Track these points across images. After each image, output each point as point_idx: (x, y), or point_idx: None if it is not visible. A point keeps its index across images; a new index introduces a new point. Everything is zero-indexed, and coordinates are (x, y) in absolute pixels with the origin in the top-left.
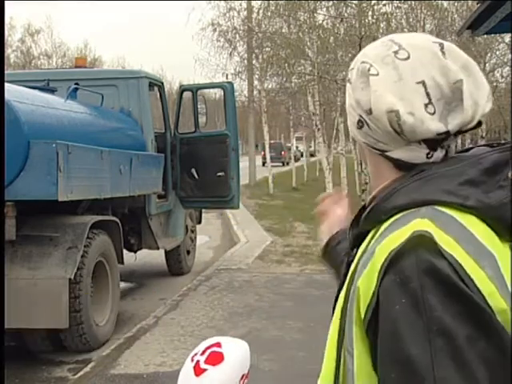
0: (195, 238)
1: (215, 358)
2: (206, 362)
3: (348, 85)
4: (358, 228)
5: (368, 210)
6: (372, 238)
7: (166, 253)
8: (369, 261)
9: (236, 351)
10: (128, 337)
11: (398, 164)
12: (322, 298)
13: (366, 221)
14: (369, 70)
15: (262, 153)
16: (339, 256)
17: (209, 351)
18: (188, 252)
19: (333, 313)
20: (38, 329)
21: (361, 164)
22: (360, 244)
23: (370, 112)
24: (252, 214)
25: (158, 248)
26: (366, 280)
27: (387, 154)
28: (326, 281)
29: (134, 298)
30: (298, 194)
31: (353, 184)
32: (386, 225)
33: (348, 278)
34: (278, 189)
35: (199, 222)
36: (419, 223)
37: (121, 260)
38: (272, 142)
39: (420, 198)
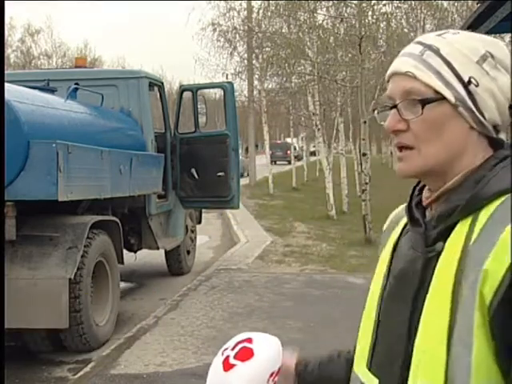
0: (195, 238)
1: (245, 354)
2: (235, 357)
3: (498, 65)
4: (446, 221)
5: (466, 200)
6: (471, 225)
7: (166, 253)
8: (493, 244)
9: (267, 348)
10: (128, 337)
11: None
12: (322, 298)
13: (462, 211)
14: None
15: (271, 152)
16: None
17: (239, 346)
18: (188, 252)
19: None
20: (37, 329)
21: (361, 164)
22: (445, 237)
23: None
24: (252, 214)
25: (158, 248)
26: (496, 263)
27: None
28: (326, 281)
29: (134, 298)
30: (298, 194)
31: (353, 184)
32: (491, 210)
33: (454, 267)
34: (278, 189)
35: (199, 222)
36: None
37: (121, 260)
38: (279, 141)
39: None
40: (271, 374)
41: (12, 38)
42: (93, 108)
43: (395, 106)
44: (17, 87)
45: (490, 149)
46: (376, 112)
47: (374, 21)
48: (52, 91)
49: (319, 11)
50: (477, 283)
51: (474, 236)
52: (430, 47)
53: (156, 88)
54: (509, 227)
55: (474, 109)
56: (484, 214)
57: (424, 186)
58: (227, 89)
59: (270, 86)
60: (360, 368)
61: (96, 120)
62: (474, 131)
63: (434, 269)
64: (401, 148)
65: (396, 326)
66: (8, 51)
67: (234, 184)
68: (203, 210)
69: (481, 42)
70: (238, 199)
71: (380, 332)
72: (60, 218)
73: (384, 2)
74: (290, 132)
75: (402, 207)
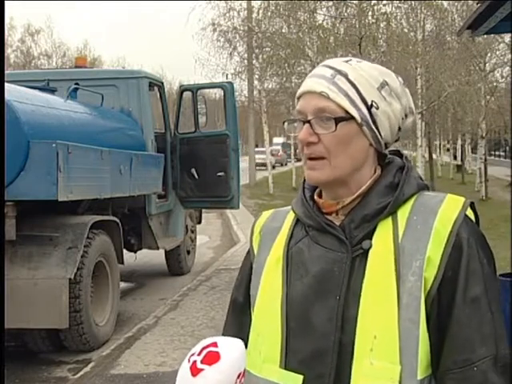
0: (195, 238)
1: (212, 358)
2: (202, 361)
3: (392, 93)
4: (371, 222)
5: (390, 203)
6: (393, 223)
7: (166, 253)
8: (429, 234)
9: (232, 350)
10: (128, 337)
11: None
12: None
13: (388, 212)
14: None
15: (284, 150)
16: None
17: (205, 351)
18: (188, 252)
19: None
20: (38, 329)
21: None
22: (370, 237)
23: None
24: (252, 214)
25: (158, 248)
26: (435, 248)
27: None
28: None
29: (134, 298)
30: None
31: None
32: (408, 208)
33: (391, 259)
34: (278, 189)
35: (199, 222)
36: (453, 197)
37: (121, 260)
38: (289, 141)
39: (422, 184)
40: (238, 375)
41: (12, 38)
42: (93, 108)
43: (308, 121)
44: (17, 87)
45: (376, 160)
46: (286, 124)
47: (374, 21)
48: (52, 91)
49: (319, 11)
50: (421, 269)
51: (402, 231)
52: (339, 72)
53: (156, 88)
54: (438, 216)
55: (375, 128)
56: (402, 213)
57: (311, 197)
58: (227, 89)
59: (269, 86)
60: (269, 371)
61: (96, 120)
62: (372, 147)
63: (365, 264)
64: (311, 158)
65: (320, 323)
66: (8, 51)
67: (234, 184)
68: (203, 210)
69: (379, 71)
70: (237, 199)
71: (296, 330)
72: (60, 218)
73: (384, 2)
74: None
75: (267, 216)
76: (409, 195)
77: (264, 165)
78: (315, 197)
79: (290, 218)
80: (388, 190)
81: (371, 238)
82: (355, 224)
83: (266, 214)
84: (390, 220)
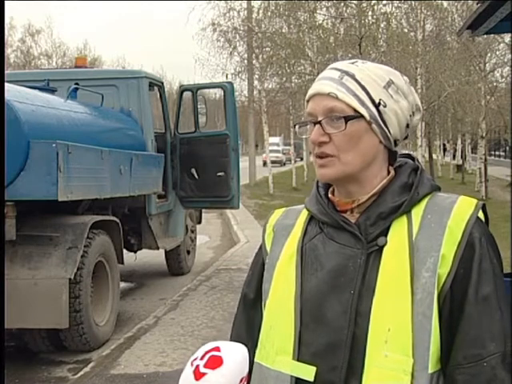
0: (195, 238)
1: (214, 362)
2: (205, 366)
3: (398, 91)
4: (386, 219)
5: (406, 202)
6: (408, 221)
7: (166, 253)
8: (443, 232)
9: (235, 355)
10: (128, 337)
11: (395, 158)
12: None
13: (403, 210)
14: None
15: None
16: None
17: (208, 355)
18: (188, 252)
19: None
20: (38, 329)
21: None
22: (385, 234)
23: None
24: (252, 214)
25: (158, 248)
26: (449, 246)
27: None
28: None
29: (134, 298)
30: (297, 194)
31: None
32: (422, 207)
33: (406, 256)
34: (278, 189)
35: (199, 222)
36: (466, 198)
37: (121, 260)
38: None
39: (434, 185)
40: (241, 380)
41: (12, 37)
42: (93, 108)
43: (319, 122)
44: (17, 87)
45: (387, 159)
46: (297, 127)
47: (373, 21)
48: (52, 91)
49: (319, 11)
50: (436, 265)
51: (416, 229)
52: (346, 73)
53: (156, 88)
54: (451, 215)
55: (383, 126)
56: (416, 212)
57: (326, 195)
58: (227, 89)
59: (270, 86)
60: (282, 363)
61: (96, 120)
62: (382, 144)
63: (379, 260)
64: (321, 157)
65: (334, 316)
66: (8, 51)
67: (234, 184)
68: (203, 210)
69: (384, 71)
70: (238, 199)
71: (309, 323)
72: (60, 218)
73: (384, 2)
74: (289, 132)
75: (280, 214)
76: (423, 195)
77: (277, 162)
78: (329, 195)
79: (303, 216)
80: (402, 190)
81: (386, 235)
82: (371, 221)
83: (278, 212)
84: (404, 218)
